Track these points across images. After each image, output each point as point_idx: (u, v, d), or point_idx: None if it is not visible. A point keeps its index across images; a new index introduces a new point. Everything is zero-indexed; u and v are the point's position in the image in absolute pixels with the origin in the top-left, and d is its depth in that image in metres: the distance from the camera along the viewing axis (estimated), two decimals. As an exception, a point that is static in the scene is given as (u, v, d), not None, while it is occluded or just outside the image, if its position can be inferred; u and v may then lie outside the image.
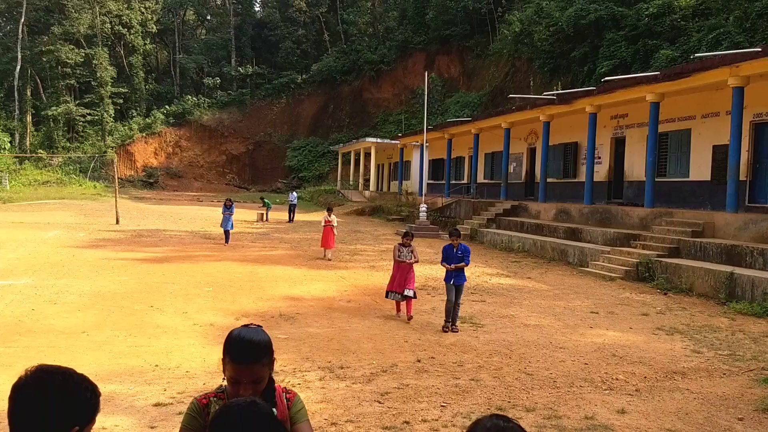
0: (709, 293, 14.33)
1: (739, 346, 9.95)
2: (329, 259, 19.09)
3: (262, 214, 35.18)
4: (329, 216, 19.99)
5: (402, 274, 11.48)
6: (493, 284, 15.80)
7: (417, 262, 11.80)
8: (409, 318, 11.35)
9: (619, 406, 7.06)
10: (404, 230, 11.44)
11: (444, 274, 11.13)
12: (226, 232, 23.02)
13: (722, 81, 17.49)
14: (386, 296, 11.76)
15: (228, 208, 23.10)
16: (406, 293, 11.43)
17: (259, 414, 1.87)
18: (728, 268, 14.24)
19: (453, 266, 10.78)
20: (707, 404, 7.23)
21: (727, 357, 9.29)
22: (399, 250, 11.52)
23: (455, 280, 10.83)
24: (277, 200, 35.53)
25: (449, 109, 52.29)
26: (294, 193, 38.65)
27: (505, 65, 48.32)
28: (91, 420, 1.84)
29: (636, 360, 9.09)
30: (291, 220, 35.37)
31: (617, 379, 8.15)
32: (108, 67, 67.95)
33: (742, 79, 16.97)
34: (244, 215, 36.46)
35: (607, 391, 7.65)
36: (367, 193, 47.03)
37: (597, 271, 17.75)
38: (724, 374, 8.44)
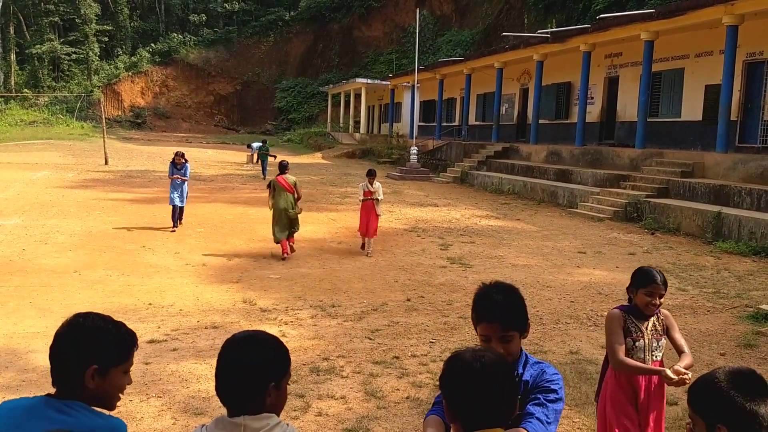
0: (697, 233, 14.50)
1: (724, 284, 10.14)
2: (369, 254, 11.98)
3: (252, 155, 33.23)
4: (371, 185, 12.37)
5: None
6: (482, 226, 15.91)
7: None
8: None
9: (603, 342, 7.22)
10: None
11: None
12: (176, 210, 14.05)
13: (717, 19, 17.29)
14: None
15: (178, 168, 14.19)
16: None
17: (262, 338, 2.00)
18: (716, 208, 14.38)
19: None
20: (691, 340, 7.41)
21: (711, 294, 9.48)
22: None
23: None
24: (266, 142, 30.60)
25: (441, 48, 51.39)
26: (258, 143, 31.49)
27: (499, 1, 47.28)
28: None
29: (621, 298, 9.20)
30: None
31: (602, 316, 8.31)
32: (92, 4, 65.95)
33: (736, 17, 16.77)
34: (232, 157, 36.24)
35: (592, 328, 7.82)
36: (357, 135, 46.63)
37: (586, 212, 17.88)
38: (708, 311, 8.63)
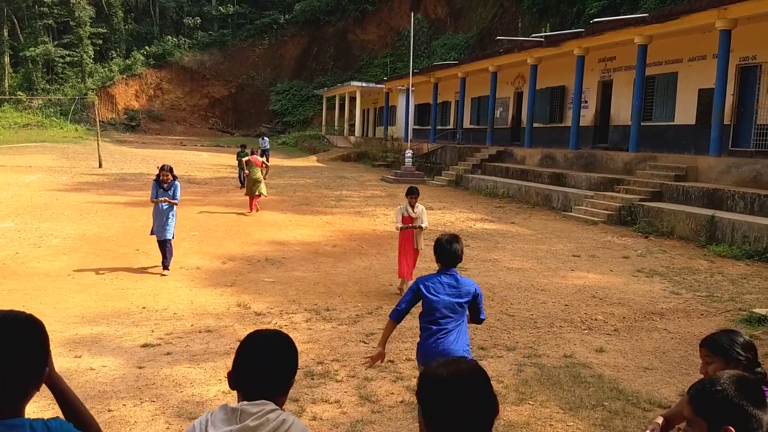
0: (690, 236, 14.55)
1: (717, 288, 10.18)
2: (401, 290, 9.40)
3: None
4: (413, 209, 9.31)
5: None
6: (477, 229, 15.92)
7: None
8: None
9: (597, 345, 7.25)
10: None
11: None
12: (163, 244, 10.33)
13: (710, 23, 17.36)
14: None
15: (165, 188, 10.30)
16: None
17: (280, 339, 2.12)
18: (709, 212, 14.43)
19: None
20: (684, 344, 7.44)
21: (705, 298, 9.51)
22: None
23: None
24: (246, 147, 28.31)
25: (436, 51, 51.48)
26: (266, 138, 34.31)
27: (494, 5, 47.42)
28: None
29: (615, 301, 9.28)
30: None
31: (596, 320, 8.34)
32: (86, 7, 65.78)
33: (730, 21, 16.86)
34: (227, 160, 36.13)
35: (586, 331, 7.83)
36: (352, 138, 46.65)
37: (580, 216, 17.92)
38: (702, 315, 8.66)
